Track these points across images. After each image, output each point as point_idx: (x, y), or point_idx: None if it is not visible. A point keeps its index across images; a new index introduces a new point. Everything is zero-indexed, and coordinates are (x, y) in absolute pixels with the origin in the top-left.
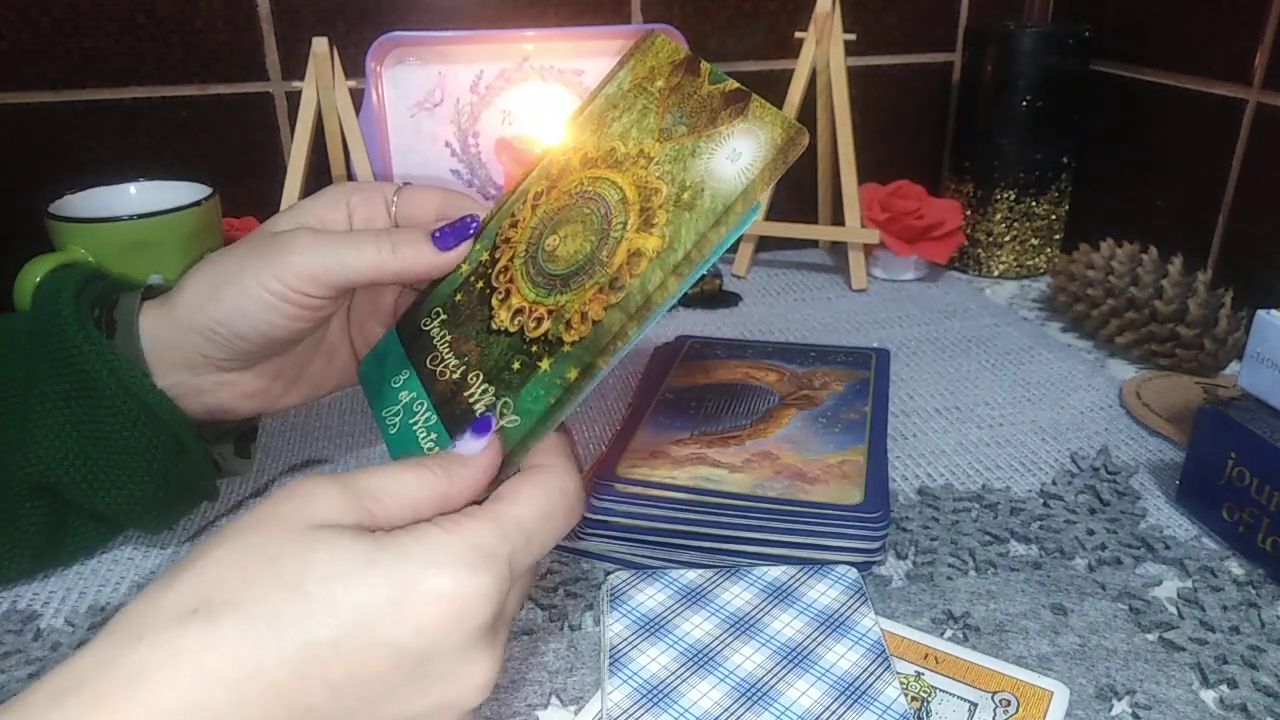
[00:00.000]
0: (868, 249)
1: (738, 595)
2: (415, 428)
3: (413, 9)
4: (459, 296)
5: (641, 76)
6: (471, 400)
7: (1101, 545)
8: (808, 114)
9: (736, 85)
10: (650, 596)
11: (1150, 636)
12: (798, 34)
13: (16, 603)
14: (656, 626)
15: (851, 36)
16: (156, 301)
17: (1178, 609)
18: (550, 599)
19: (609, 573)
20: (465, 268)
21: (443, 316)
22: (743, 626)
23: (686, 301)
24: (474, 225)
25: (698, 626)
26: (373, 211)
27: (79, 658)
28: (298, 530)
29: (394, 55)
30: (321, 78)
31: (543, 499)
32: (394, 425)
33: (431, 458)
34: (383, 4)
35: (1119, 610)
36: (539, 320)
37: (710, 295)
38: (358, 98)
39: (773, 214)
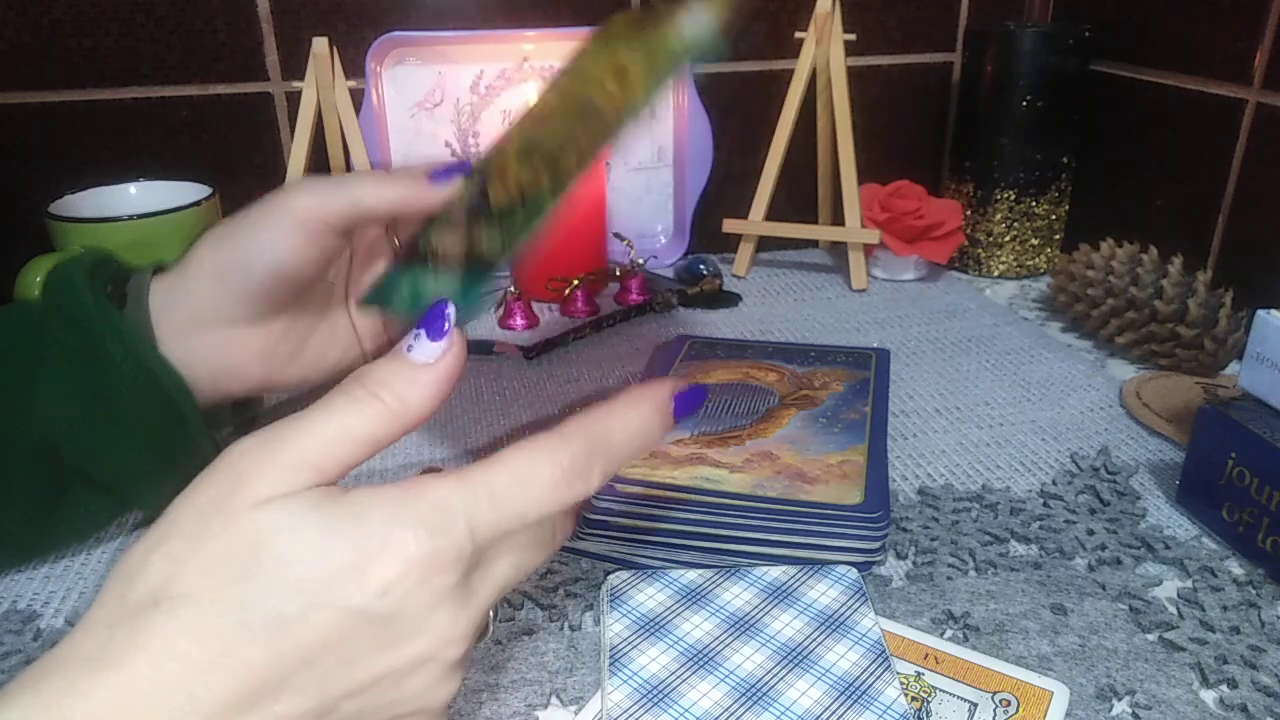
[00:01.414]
0: (868, 249)
1: (738, 595)
2: (427, 284)
3: (413, 9)
4: (454, 212)
5: (601, 46)
6: (482, 246)
7: (1101, 545)
8: (808, 114)
9: None
10: (650, 596)
11: (1150, 636)
12: (798, 34)
13: (16, 603)
14: (656, 626)
15: (851, 36)
16: (167, 271)
17: (1178, 609)
18: (550, 599)
19: (609, 573)
20: (458, 206)
21: (440, 229)
22: (743, 626)
23: (686, 301)
24: (467, 166)
25: (698, 626)
26: None
27: (55, 649)
28: (249, 512)
29: (394, 55)
30: (321, 78)
31: (521, 464)
32: (414, 295)
33: (372, 382)
34: (383, 4)
35: (1119, 610)
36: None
37: (710, 295)
38: (358, 98)
39: (773, 214)
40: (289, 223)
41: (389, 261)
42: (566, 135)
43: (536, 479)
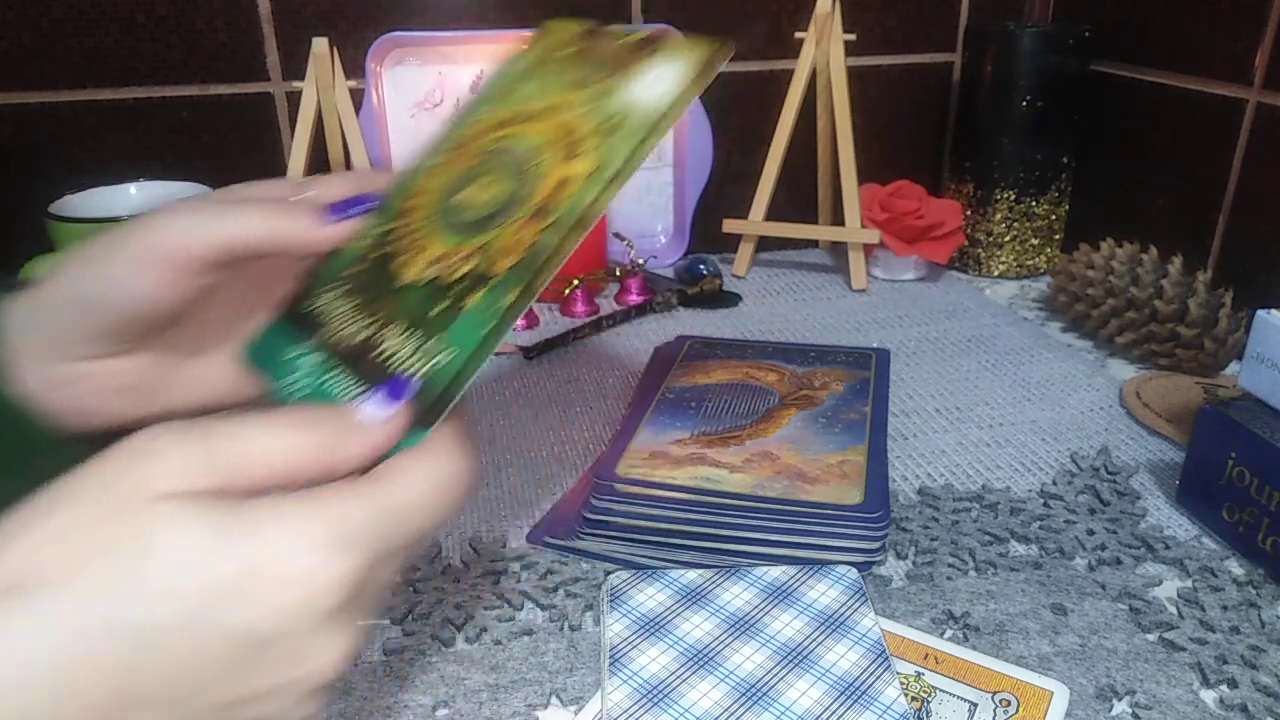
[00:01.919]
0: (868, 249)
1: (738, 595)
2: (329, 385)
3: (413, 9)
4: (358, 268)
5: (545, 52)
6: (390, 353)
7: (1101, 545)
8: (808, 113)
9: (649, 31)
10: (650, 596)
11: (1150, 636)
12: (798, 34)
13: None
14: (656, 626)
15: (851, 37)
16: (30, 290)
17: (1178, 609)
18: (550, 599)
19: (609, 573)
20: (361, 244)
21: (344, 287)
22: (743, 626)
23: (686, 301)
24: (368, 201)
25: (698, 626)
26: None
27: None
28: (141, 502)
29: (394, 55)
30: (322, 78)
31: (427, 486)
32: (303, 387)
33: (323, 417)
34: (383, 4)
35: (1119, 610)
36: (464, 260)
37: (710, 295)
38: (358, 98)
39: (773, 214)
40: (148, 257)
41: (280, 306)
42: (500, 202)
43: (439, 500)
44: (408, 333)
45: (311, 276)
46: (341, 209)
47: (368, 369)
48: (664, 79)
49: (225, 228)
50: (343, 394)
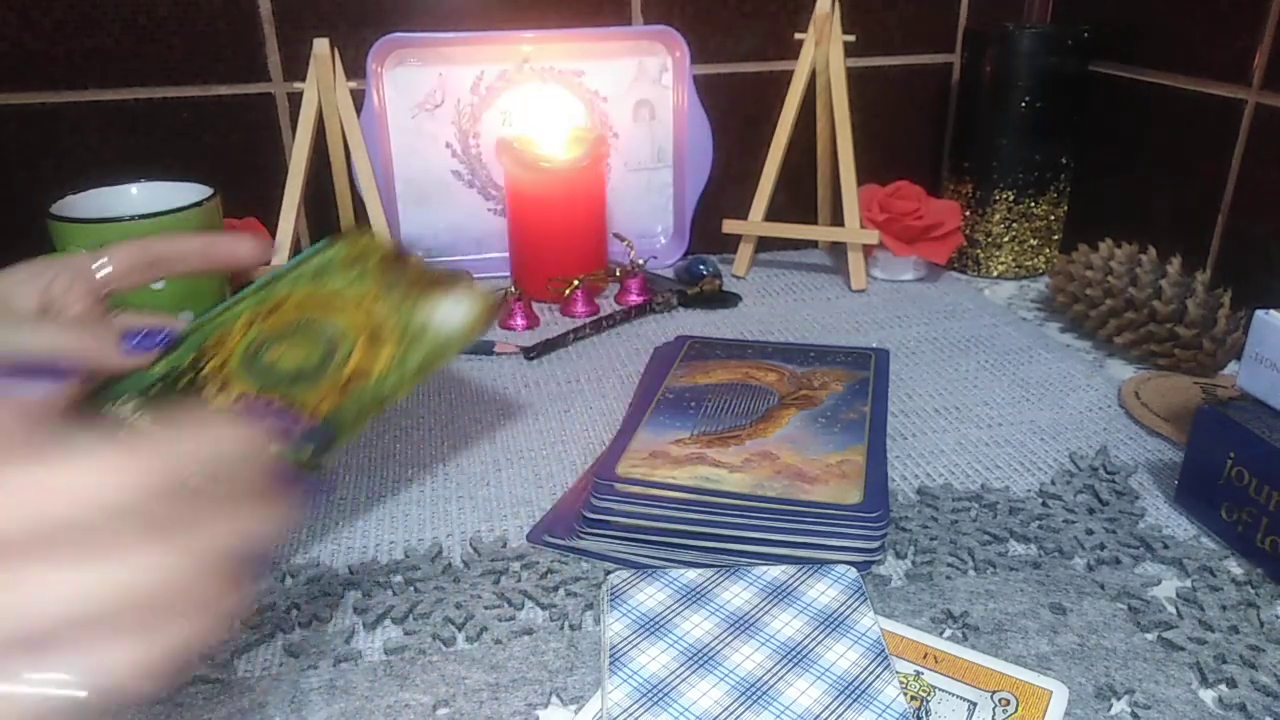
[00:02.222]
0: (867, 249)
1: (738, 595)
2: None
3: (413, 10)
4: (161, 387)
5: (352, 255)
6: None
7: (1100, 545)
8: (808, 114)
9: (445, 271)
10: (650, 596)
11: (1149, 636)
12: (797, 35)
13: None
14: (656, 626)
15: (851, 38)
16: None
17: (1176, 609)
18: (550, 598)
19: (609, 572)
20: (160, 368)
21: (143, 400)
22: (743, 626)
23: (686, 301)
24: (168, 337)
25: (698, 626)
26: (72, 292)
27: None
28: None
29: (395, 56)
30: (323, 79)
31: (218, 426)
32: None
33: (89, 324)
34: (383, 5)
35: (1118, 610)
36: (268, 403)
37: (710, 295)
38: (359, 99)
39: (772, 214)
40: None
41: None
42: (307, 366)
43: (222, 434)
44: None
45: (105, 386)
46: (137, 340)
47: None
48: (460, 310)
49: (21, 343)
50: None
